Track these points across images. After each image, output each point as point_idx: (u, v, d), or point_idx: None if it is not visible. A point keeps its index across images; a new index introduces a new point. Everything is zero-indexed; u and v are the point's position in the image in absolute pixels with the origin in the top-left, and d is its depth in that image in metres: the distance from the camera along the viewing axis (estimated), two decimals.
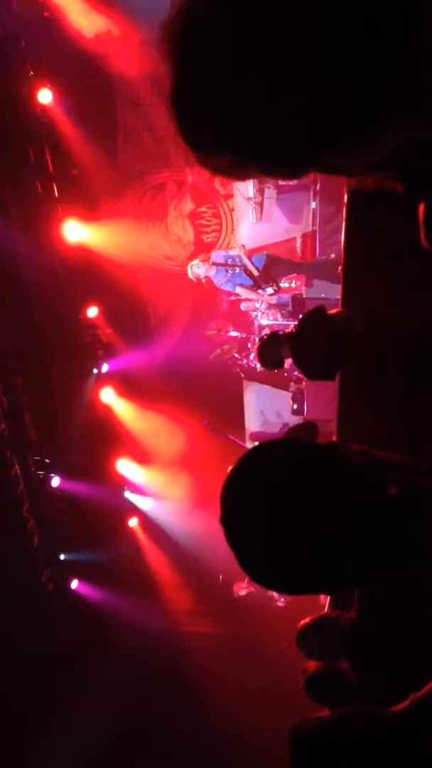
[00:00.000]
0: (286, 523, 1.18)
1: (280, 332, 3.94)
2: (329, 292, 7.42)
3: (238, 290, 8.32)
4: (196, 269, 8.44)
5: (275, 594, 8.50)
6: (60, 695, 8.92)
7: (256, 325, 8.67)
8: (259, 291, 8.23)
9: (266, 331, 8.10)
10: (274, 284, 8.22)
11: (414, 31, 0.82)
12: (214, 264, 8.27)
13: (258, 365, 8.56)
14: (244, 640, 9.47)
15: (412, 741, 1.26)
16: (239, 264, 8.17)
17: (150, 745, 9.47)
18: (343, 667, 2.60)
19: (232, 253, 8.36)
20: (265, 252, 8.45)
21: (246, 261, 8.08)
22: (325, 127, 0.86)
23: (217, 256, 8.33)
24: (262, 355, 4.17)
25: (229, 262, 8.22)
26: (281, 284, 8.46)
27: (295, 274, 8.55)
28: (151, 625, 9.67)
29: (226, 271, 8.20)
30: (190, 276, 8.59)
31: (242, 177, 1.00)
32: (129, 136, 9.32)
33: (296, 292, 8.43)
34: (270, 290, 8.22)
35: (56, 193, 8.47)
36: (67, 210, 8.55)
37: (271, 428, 9.39)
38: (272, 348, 3.94)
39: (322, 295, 7.72)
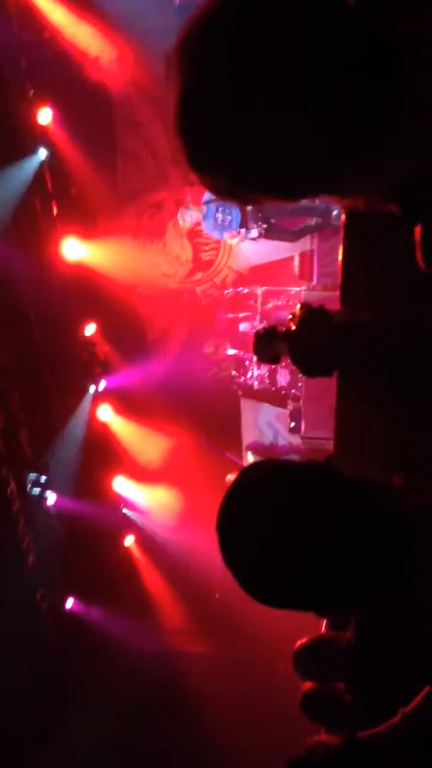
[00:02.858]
0: (283, 541, 1.18)
1: (278, 327, 3.86)
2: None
3: (225, 236, 8.05)
4: (189, 217, 8.17)
5: None
6: (55, 714, 8.82)
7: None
8: (243, 230, 7.86)
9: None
10: (263, 224, 7.81)
11: (398, 71, 0.86)
12: (205, 203, 7.95)
13: (254, 373, 8.56)
14: (241, 661, 9.39)
15: (403, 755, 1.26)
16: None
17: (145, 765, 9.37)
18: (339, 688, 2.58)
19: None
20: None
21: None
22: (323, 151, 0.89)
23: (209, 194, 8.05)
24: (258, 349, 4.06)
25: (221, 205, 7.87)
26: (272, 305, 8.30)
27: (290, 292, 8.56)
28: (146, 645, 9.60)
29: (216, 215, 7.86)
30: (181, 224, 8.38)
31: (243, 199, 1.03)
32: (128, 155, 9.40)
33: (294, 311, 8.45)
34: (254, 232, 7.86)
35: (55, 212, 8.53)
36: (65, 228, 8.61)
37: (269, 446, 9.38)
38: (269, 342, 3.86)
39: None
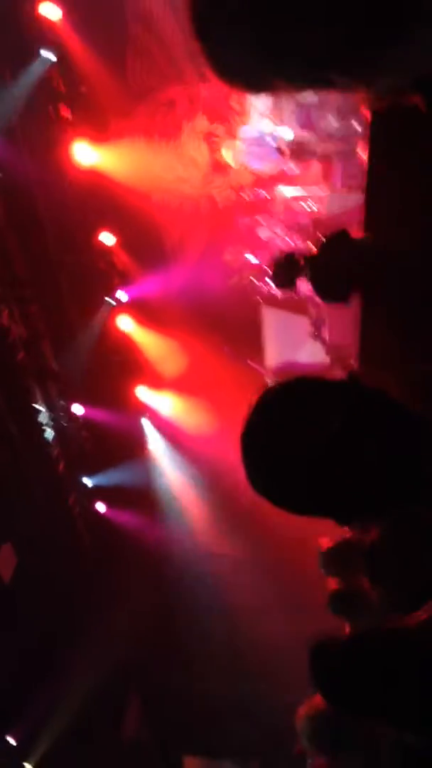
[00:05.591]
0: (304, 447, 1.18)
1: (297, 254, 3.95)
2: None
3: (264, 167, 8.29)
4: (232, 150, 8.39)
5: None
6: (88, 615, 9.23)
7: (274, 250, 8.51)
8: (284, 168, 8.16)
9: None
10: (300, 163, 8.12)
11: None
12: (244, 140, 8.11)
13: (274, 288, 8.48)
14: (266, 561, 9.69)
15: (427, 648, 1.30)
16: (272, 138, 7.95)
17: (171, 660, 9.88)
18: (364, 584, 2.65)
19: (264, 129, 8.07)
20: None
21: (280, 134, 7.86)
22: (342, 35, 0.82)
23: (247, 132, 8.11)
24: (276, 275, 4.21)
25: (261, 138, 8.04)
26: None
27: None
28: (171, 547, 9.95)
29: (252, 149, 8.12)
30: (232, 162, 8.53)
31: (258, 87, 0.95)
32: (139, 50, 8.93)
33: (316, 216, 8.23)
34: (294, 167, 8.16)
35: (66, 115, 8.23)
36: (76, 131, 8.32)
37: (292, 354, 9.31)
38: (287, 269, 3.97)
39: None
